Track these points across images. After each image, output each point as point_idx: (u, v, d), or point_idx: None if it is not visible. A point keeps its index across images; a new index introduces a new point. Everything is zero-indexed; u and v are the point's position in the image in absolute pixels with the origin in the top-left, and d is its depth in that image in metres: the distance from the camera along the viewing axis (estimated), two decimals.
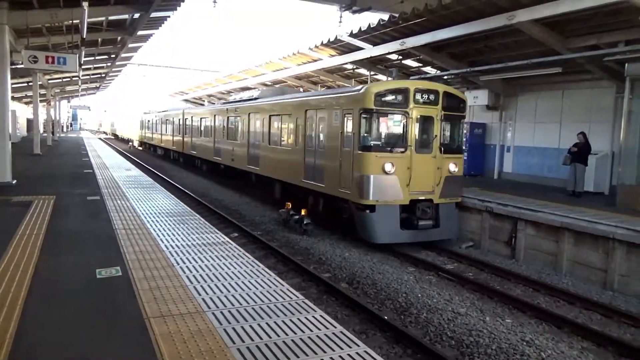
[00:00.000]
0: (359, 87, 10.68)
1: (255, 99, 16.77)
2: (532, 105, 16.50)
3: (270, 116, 14.70)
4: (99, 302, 4.40)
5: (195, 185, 19.72)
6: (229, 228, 11.92)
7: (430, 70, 18.36)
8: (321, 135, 11.70)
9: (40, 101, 27.22)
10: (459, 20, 12.28)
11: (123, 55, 23.20)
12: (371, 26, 14.29)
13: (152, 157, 33.96)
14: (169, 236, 6.87)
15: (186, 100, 46.67)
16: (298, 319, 4.13)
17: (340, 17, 14.11)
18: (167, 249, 6.19)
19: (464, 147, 12.13)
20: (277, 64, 23.33)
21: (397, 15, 12.94)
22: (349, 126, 10.42)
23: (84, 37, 12.71)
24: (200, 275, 5.18)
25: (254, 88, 26.25)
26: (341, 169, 10.59)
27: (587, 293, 8.38)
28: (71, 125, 77.74)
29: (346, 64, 19.14)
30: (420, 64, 18.28)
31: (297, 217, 11.71)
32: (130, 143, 47.85)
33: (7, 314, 4.03)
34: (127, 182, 12.85)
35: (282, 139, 14.08)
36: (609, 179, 13.63)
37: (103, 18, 15.01)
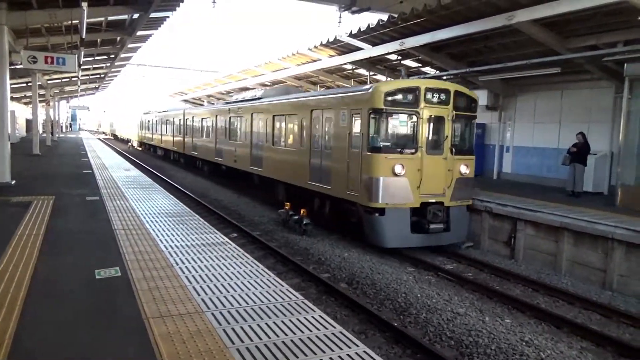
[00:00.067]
0: (368, 86, 10.46)
1: (259, 98, 16.50)
2: (531, 105, 16.51)
3: (274, 116, 14.46)
4: (98, 302, 4.40)
5: (195, 185, 19.72)
6: (229, 228, 11.91)
7: (429, 70, 18.37)
8: (328, 136, 11.42)
9: (40, 101, 27.19)
10: (458, 20, 12.28)
11: (122, 55, 23.20)
12: (370, 26, 14.29)
13: (151, 157, 33.94)
14: (168, 236, 6.87)
15: (185, 101, 46.66)
16: (297, 319, 4.13)
17: (340, 17, 14.14)
18: (167, 249, 6.19)
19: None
20: (276, 65, 23.33)
21: (396, 15, 12.93)
22: (357, 127, 10.17)
23: (83, 37, 12.70)
24: (200, 275, 5.18)
25: (254, 88, 26.27)
26: (349, 170, 10.32)
27: (586, 293, 8.39)
28: (70, 126, 77.70)
29: (345, 64, 19.14)
30: (420, 64, 18.29)
31: (296, 217, 11.70)
32: (130, 143, 47.84)
33: (6, 314, 4.03)
34: (126, 182, 12.85)
35: (287, 139, 13.80)
36: (608, 179, 13.64)
37: (102, 18, 15.00)
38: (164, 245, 6.35)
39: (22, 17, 12.24)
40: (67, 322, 3.96)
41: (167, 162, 30.38)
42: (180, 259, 5.78)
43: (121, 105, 69.91)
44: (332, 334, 3.86)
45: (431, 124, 10.15)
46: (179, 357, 3.37)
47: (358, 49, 16.85)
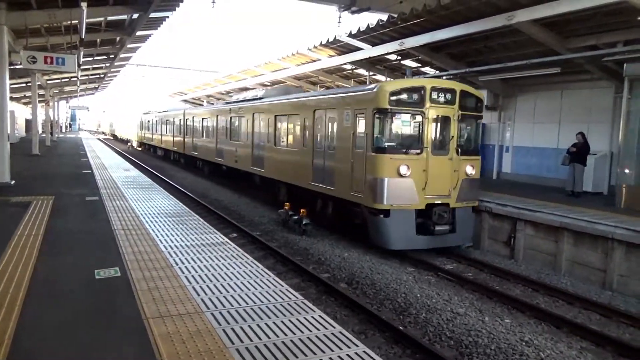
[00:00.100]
0: (372, 85, 10.33)
1: (260, 98, 16.30)
2: (531, 105, 16.51)
3: (276, 116, 14.31)
4: (97, 302, 4.40)
5: (195, 185, 19.71)
6: (228, 228, 11.90)
7: (429, 70, 18.37)
8: (331, 136, 11.26)
9: (39, 102, 27.18)
10: (458, 20, 12.28)
11: (122, 55, 23.19)
12: (370, 26, 14.29)
13: (151, 157, 33.94)
14: (168, 237, 6.86)
15: (185, 101, 46.66)
16: (297, 319, 4.12)
17: (339, 17, 14.13)
18: (166, 249, 6.19)
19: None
20: (276, 65, 23.33)
21: (395, 15, 12.93)
22: (361, 127, 10.03)
23: (83, 37, 12.69)
24: (199, 275, 5.18)
25: (253, 88, 26.28)
26: (353, 171, 10.17)
27: (586, 293, 8.39)
28: (70, 126, 77.70)
29: (345, 64, 19.14)
30: (419, 64, 18.28)
31: (296, 217, 11.70)
32: (129, 143, 47.83)
33: (5, 314, 4.02)
34: (125, 182, 12.84)
35: (289, 139, 13.66)
36: (608, 179, 13.65)
37: (102, 18, 15.00)
38: (164, 246, 6.35)
39: (21, 17, 12.24)
40: (66, 322, 3.96)
41: (167, 162, 30.37)
42: (179, 259, 5.78)
43: (121, 106, 69.98)
44: (332, 334, 3.86)
45: (437, 124, 10.02)
46: (178, 357, 3.37)
47: (358, 49, 16.85)
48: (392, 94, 9.54)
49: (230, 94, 29.60)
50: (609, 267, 8.69)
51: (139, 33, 17.21)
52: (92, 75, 30.86)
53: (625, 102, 11.53)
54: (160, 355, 3.39)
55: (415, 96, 9.72)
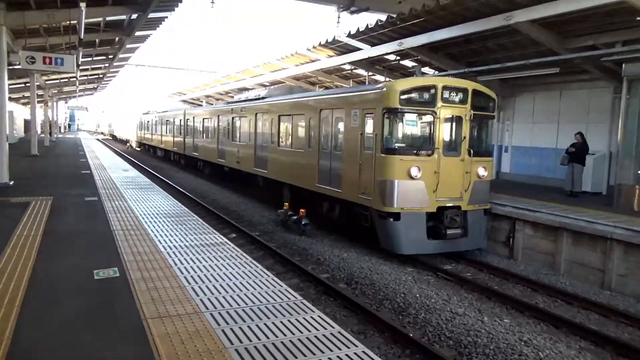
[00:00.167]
0: (381, 84, 10.12)
1: (263, 98, 16.04)
2: (529, 105, 16.53)
3: (279, 116, 14.02)
4: (96, 303, 4.40)
5: (194, 186, 19.70)
6: (228, 229, 11.90)
7: (428, 70, 18.36)
8: (338, 137, 10.99)
9: (38, 102, 27.15)
10: (456, 21, 12.29)
11: (121, 55, 23.18)
12: (369, 27, 14.29)
13: (150, 158, 33.92)
14: (167, 237, 6.86)
15: (184, 101, 46.64)
16: (296, 319, 4.13)
17: (338, 17, 14.12)
18: (165, 249, 6.18)
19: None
20: (275, 65, 23.33)
21: (394, 15, 12.94)
22: (370, 127, 9.73)
23: (82, 37, 12.69)
24: (199, 276, 5.18)
25: (253, 88, 26.25)
26: (361, 173, 9.88)
27: (585, 293, 8.40)
28: (69, 126, 77.66)
29: (344, 64, 19.14)
30: (420, 65, 18.27)
31: (295, 217, 11.70)
32: (128, 144, 47.80)
33: (4, 315, 4.02)
34: (125, 183, 12.84)
35: (293, 140, 13.34)
36: (607, 179, 13.67)
37: (101, 19, 14.98)
38: (163, 246, 6.35)
39: (20, 17, 12.22)
40: (65, 322, 3.96)
41: (166, 162, 30.35)
42: (179, 259, 5.77)
43: (120, 106, 69.95)
44: (331, 334, 3.86)
45: (448, 124, 9.75)
46: (177, 358, 3.37)
47: (357, 49, 16.85)
48: (403, 93, 9.26)
49: (230, 94, 29.60)
50: (608, 267, 8.69)
51: (138, 33, 17.20)
52: (91, 75, 30.84)
53: (624, 102, 11.53)
54: (160, 356, 3.38)
55: (426, 95, 9.43)
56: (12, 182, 11.89)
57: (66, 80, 29.86)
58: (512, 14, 10.99)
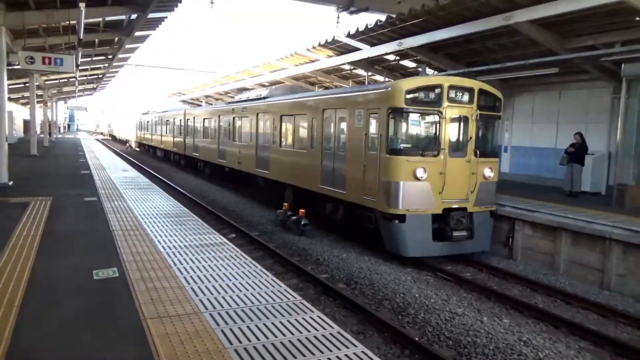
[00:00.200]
0: (386, 83, 9.91)
1: (264, 98, 15.91)
2: (529, 105, 16.53)
3: (281, 116, 13.89)
4: (96, 303, 4.40)
5: (194, 186, 19.70)
6: (227, 229, 11.90)
7: (427, 71, 18.36)
8: (341, 137, 10.82)
9: (37, 102, 27.18)
10: (456, 21, 12.30)
11: (120, 56, 23.17)
12: (368, 27, 14.29)
13: (149, 158, 33.92)
14: (167, 237, 6.86)
15: (183, 101, 46.65)
16: (296, 319, 4.13)
17: (338, 17, 14.13)
18: (165, 250, 6.18)
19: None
20: (274, 65, 23.34)
21: (394, 16, 12.94)
22: (374, 127, 9.60)
23: (81, 38, 12.69)
24: (198, 276, 5.18)
25: (252, 89, 26.26)
26: (365, 174, 9.75)
27: (584, 293, 8.40)
28: (68, 127, 77.62)
29: (344, 64, 19.15)
30: (418, 65, 18.29)
31: (294, 217, 11.70)
32: (128, 144, 47.78)
33: (3, 315, 4.02)
34: (124, 183, 12.83)
35: (296, 140, 13.23)
36: (606, 179, 13.67)
37: (100, 19, 14.99)
38: (162, 246, 6.35)
39: (19, 17, 12.22)
40: (64, 322, 3.96)
41: (166, 163, 30.35)
42: (178, 259, 5.77)
43: (119, 106, 69.90)
44: (331, 334, 3.86)
45: (454, 124, 9.62)
46: (177, 358, 3.37)
47: (356, 49, 16.86)
48: (408, 92, 9.11)
49: (230, 94, 29.57)
50: (607, 267, 8.70)
51: (137, 33, 17.20)
52: (90, 75, 30.85)
53: (623, 102, 11.54)
54: (159, 356, 3.39)
55: (432, 95, 9.28)
56: (11, 183, 11.89)
57: (65, 80, 29.86)
58: (511, 14, 11.00)
